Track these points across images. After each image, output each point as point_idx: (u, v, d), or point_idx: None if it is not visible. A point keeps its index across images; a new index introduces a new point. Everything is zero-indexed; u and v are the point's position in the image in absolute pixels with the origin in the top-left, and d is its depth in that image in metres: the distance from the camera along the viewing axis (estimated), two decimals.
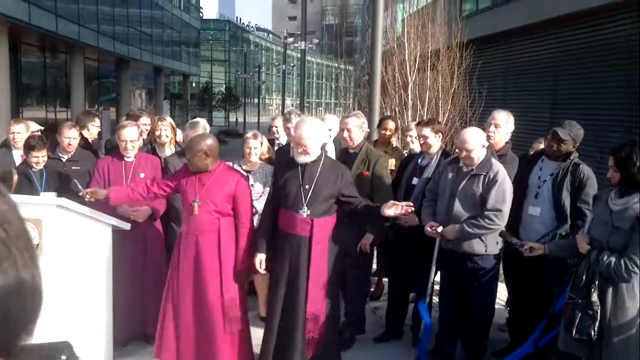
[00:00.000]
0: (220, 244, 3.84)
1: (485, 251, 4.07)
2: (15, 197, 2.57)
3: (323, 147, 3.96)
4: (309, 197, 3.75)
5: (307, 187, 3.76)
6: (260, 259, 3.89)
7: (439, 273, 4.42)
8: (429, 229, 4.10)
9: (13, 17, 15.11)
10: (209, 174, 3.84)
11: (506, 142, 4.67)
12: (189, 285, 3.88)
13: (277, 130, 5.72)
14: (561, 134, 4.06)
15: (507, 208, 3.98)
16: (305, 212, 3.74)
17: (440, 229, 4.05)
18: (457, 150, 4.27)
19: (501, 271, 4.56)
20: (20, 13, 15.70)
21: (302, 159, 3.79)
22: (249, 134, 4.94)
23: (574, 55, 9.45)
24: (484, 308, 4.23)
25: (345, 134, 4.61)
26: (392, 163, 5.06)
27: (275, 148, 5.49)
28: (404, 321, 4.80)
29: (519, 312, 4.49)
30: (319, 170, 3.79)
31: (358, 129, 4.63)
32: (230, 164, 4.86)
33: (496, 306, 5.16)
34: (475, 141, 4.03)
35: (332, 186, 3.77)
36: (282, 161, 4.22)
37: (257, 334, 4.39)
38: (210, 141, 3.87)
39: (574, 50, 9.45)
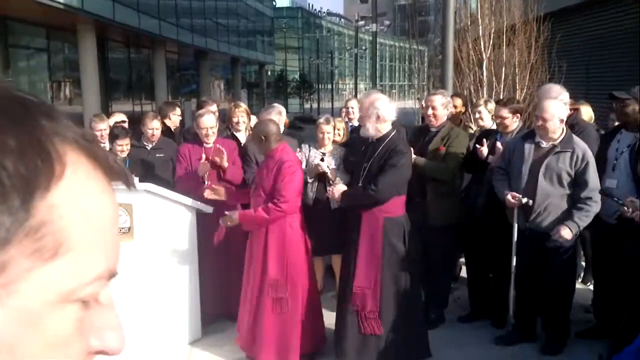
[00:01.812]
0: (267, 229, 3.93)
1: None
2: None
3: (394, 125, 3.97)
4: (364, 174, 3.79)
5: (365, 164, 3.80)
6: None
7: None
8: (511, 199, 3.98)
9: (99, 15, 15.98)
10: (268, 158, 3.97)
11: (574, 110, 4.57)
12: (246, 269, 4.08)
13: (352, 111, 5.76)
14: (618, 95, 3.96)
15: (598, 186, 3.92)
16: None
17: (524, 200, 3.94)
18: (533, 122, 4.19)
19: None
20: (106, 11, 16.57)
21: (362, 132, 3.86)
22: (322, 119, 5.04)
23: None
24: (564, 287, 4.14)
25: (430, 111, 4.57)
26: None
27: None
28: (486, 302, 4.77)
29: (605, 292, 4.35)
30: (380, 148, 3.78)
31: (443, 107, 4.59)
32: (307, 146, 4.99)
33: (580, 286, 5.04)
34: (554, 111, 3.92)
35: (379, 161, 3.74)
36: (356, 142, 4.31)
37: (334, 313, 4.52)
38: (266, 126, 3.94)
39: None
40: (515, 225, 4.10)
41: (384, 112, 3.77)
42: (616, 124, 4.68)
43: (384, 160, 3.71)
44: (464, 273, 5.43)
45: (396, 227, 3.80)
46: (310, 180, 4.72)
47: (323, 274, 5.35)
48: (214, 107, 5.79)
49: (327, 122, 4.92)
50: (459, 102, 5.50)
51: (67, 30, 16.02)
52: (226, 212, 4.05)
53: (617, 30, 10.40)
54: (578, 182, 3.89)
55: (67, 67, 17.51)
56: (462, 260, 5.50)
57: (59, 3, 13.73)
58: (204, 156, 4.60)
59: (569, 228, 3.85)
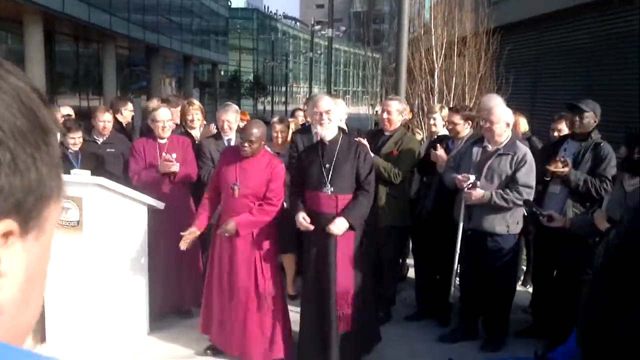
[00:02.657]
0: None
1: (507, 231, 4.16)
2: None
3: (340, 128, 4.07)
4: (330, 174, 3.87)
5: (327, 165, 3.88)
6: (302, 215, 3.91)
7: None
8: (460, 177, 4.12)
9: (47, 6, 15.51)
10: (251, 159, 3.95)
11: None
12: (225, 267, 4.02)
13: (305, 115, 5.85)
14: (582, 106, 4.19)
15: (534, 187, 4.09)
16: (329, 189, 3.86)
17: (472, 178, 4.07)
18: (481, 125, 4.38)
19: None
20: (54, 2, 16.10)
21: (323, 131, 3.89)
22: (275, 119, 5.11)
23: (610, 40, 9.32)
24: (504, 287, 4.33)
25: (385, 115, 4.71)
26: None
27: None
28: (432, 301, 4.92)
29: (543, 293, 4.57)
30: (337, 148, 3.90)
31: (398, 113, 4.73)
32: None
33: (520, 288, 5.27)
34: (500, 115, 4.13)
35: (351, 162, 3.88)
36: (305, 145, 4.35)
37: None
38: (260, 128, 3.96)
39: (611, 35, 9.33)
40: (461, 224, 4.25)
41: (337, 116, 3.94)
42: (562, 134, 4.94)
43: (358, 159, 3.86)
44: (411, 274, 5.59)
45: (361, 227, 3.93)
46: None
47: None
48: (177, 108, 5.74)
49: (281, 121, 4.99)
50: (407, 108, 5.65)
51: (12, 21, 15.49)
52: (219, 229, 3.96)
53: (565, 43, 10.90)
54: (513, 179, 4.09)
55: (12, 59, 16.71)
56: (409, 261, 5.65)
57: None
58: (164, 154, 4.56)
59: (483, 194, 4.05)
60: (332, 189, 3.86)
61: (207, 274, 4.15)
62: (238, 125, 5.05)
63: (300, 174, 4.07)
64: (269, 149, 4.90)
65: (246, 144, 3.86)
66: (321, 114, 3.88)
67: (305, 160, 4.03)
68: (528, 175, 4.08)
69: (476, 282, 4.38)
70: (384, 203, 4.56)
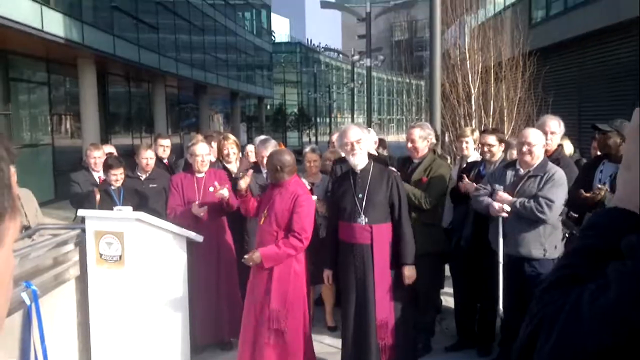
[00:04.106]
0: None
1: (544, 255, 4.07)
2: (101, 213, 2.98)
3: (370, 157, 4.12)
4: (364, 205, 3.90)
5: (360, 195, 3.92)
6: (328, 274, 4.11)
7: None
8: (495, 205, 4.08)
9: (100, 49, 16.33)
10: (280, 188, 4.05)
11: (558, 146, 4.71)
12: (249, 295, 4.12)
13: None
14: (601, 127, 4.11)
15: (559, 203, 4.00)
16: (363, 220, 3.89)
17: (501, 194, 4.05)
18: (516, 152, 4.35)
19: None
20: (106, 45, 16.95)
21: (353, 160, 3.96)
22: (307, 149, 5.20)
23: None
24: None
25: (409, 144, 4.73)
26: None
27: None
28: (474, 330, 4.84)
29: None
30: (369, 177, 3.95)
31: (422, 140, 4.73)
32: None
33: None
34: (536, 139, 4.10)
35: (384, 192, 3.92)
36: (337, 177, 4.39)
37: (326, 341, 4.58)
38: (285, 157, 4.05)
39: None
40: (500, 250, 4.19)
41: (367, 145, 4.02)
42: (598, 153, 4.84)
43: (391, 188, 3.93)
44: (449, 303, 5.50)
45: (393, 256, 3.96)
46: None
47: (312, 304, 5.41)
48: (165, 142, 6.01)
49: (313, 151, 5.08)
50: (432, 134, 5.63)
51: (67, 64, 16.35)
52: (245, 256, 4.04)
53: (607, 61, 10.67)
54: (536, 194, 4.01)
55: (68, 101, 17.80)
56: (444, 290, 5.57)
57: (60, 38, 14.06)
58: (196, 203, 4.70)
59: (510, 199, 3.99)
60: (366, 219, 3.90)
61: (245, 306, 4.23)
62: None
63: (334, 205, 4.14)
64: (304, 180, 5.00)
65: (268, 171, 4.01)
66: (352, 145, 3.95)
67: (338, 191, 4.09)
68: (551, 190, 4.00)
69: (517, 309, 4.28)
70: (416, 230, 4.54)
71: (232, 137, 5.62)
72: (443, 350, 4.82)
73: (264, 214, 4.03)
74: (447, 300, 5.66)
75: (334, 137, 6.11)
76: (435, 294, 5.22)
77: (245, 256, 4.02)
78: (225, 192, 4.58)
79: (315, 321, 5.23)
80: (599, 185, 4.07)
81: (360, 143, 3.95)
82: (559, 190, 4.01)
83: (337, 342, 4.20)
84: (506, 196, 4.05)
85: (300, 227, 3.89)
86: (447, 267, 5.29)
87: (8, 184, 0.59)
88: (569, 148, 5.51)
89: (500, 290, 4.23)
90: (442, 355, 4.78)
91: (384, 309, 3.86)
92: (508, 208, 4.04)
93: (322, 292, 5.31)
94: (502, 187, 4.11)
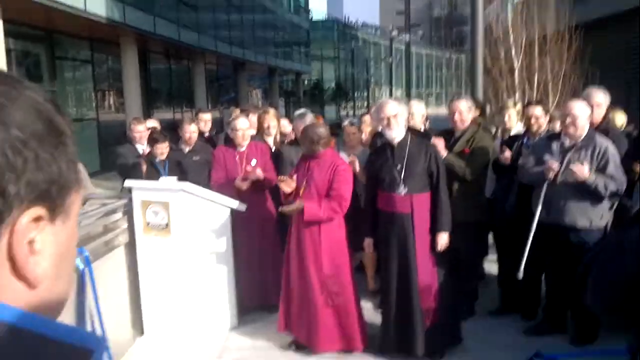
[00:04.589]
0: (320, 225, 4.10)
1: (590, 225, 4.03)
2: (146, 183, 3.12)
3: (408, 128, 4.15)
4: (402, 175, 3.96)
5: (399, 166, 3.98)
6: (369, 242, 4.21)
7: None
8: (551, 165, 4.02)
9: (141, 28, 16.58)
10: (316, 159, 4.14)
11: (605, 117, 4.60)
12: (295, 264, 4.20)
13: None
14: None
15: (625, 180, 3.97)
16: (402, 190, 3.96)
17: (556, 166, 3.98)
18: (559, 124, 4.28)
19: None
20: (147, 25, 17.16)
21: (389, 134, 4.02)
22: (346, 122, 5.24)
23: None
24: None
25: (457, 116, 4.72)
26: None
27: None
28: (517, 297, 4.83)
29: (636, 283, 4.36)
30: (407, 149, 4.00)
31: (468, 111, 4.75)
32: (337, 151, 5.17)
33: None
34: (581, 110, 4.03)
35: (423, 162, 3.98)
36: (376, 149, 4.45)
37: (367, 306, 4.68)
38: (320, 129, 4.16)
39: None
40: (538, 212, 4.13)
41: (404, 117, 4.06)
42: None
43: (429, 159, 3.99)
44: (493, 270, 5.49)
45: (433, 223, 4.05)
46: None
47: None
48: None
49: (351, 124, 5.11)
50: (474, 106, 5.57)
51: (110, 43, 16.66)
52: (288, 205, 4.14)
53: None
54: (604, 174, 3.94)
55: (111, 78, 18.18)
56: (491, 256, 5.56)
57: (103, 17, 14.33)
58: (239, 177, 4.81)
59: (587, 170, 3.89)
60: (406, 189, 3.96)
61: (284, 270, 4.33)
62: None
63: (372, 176, 4.19)
64: (343, 154, 5.04)
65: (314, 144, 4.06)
66: (388, 119, 4.00)
67: (377, 163, 4.15)
68: (617, 170, 3.94)
69: (563, 277, 4.25)
70: (458, 200, 4.55)
71: (272, 110, 5.69)
72: (487, 314, 4.85)
73: (303, 185, 4.10)
74: (492, 267, 5.65)
75: (371, 111, 6.12)
76: (479, 261, 5.23)
77: (285, 206, 4.10)
78: (259, 173, 4.67)
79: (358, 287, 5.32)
80: None
81: (397, 117, 3.99)
82: (618, 167, 3.95)
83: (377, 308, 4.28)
84: (583, 168, 3.91)
85: (340, 195, 4.02)
86: (490, 236, 5.28)
87: (73, 158, 0.61)
88: (620, 120, 5.38)
89: (526, 253, 4.15)
90: (486, 318, 4.81)
91: (426, 274, 3.96)
92: (584, 177, 3.92)
93: (362, 258, 5.37)
94: (567, 160, 4.01)
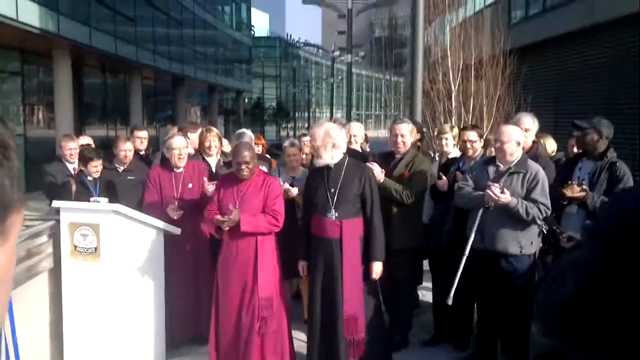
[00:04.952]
0: (257, 247, 3.99)
1: (521, 252, 4.10)
2: (75, 204, 2.89)
3: (346, 152, 4.08)
4: (335, 199, 3.89)
5: (332, 190, 3.90)
6: (302, 264, 4.11)
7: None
8: (491, 193, 3.98)
9: (75, 40, 16.02)
10: (248, 181, 4.03)
11: (533, 143, 4.75)
12: (229, 288, 4.05)
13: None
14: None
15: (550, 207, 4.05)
16: (333, 214, 3.89)
17: (497, 190, 3.94)
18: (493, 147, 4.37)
19: None
20: (82, 36, 16.62)
21: (316, 162, 3.97)
22: (287, 143, 5.16)
23: (631, 58, 9.22)
24: (521, 310, 4.23)
25: (399, 139, 4.71)
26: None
27: None
28: (451, 325, 4.86)
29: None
30: (342, 173, 3.93)
31: (410, 134, 4.77)
32: (277, 171, 5.08)
33: None
34: (510, 135, 4.12)
35: (356, 187, 3.90)
36: (312, 170, 4.37)
37: (301, 337, 4.56)
38: (251, 150, 4.08)
39: (631, 52, 9.23)
40: (472, 237, 4.14)
41: (339, 140, 3.95)
42: (575, 151, 4.90)
43: (364, 183, 3.91)
44: (427, 298, 5.52)
45: (364, 250, 3.95)
46: None
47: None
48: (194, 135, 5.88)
49: (292, 145, 5.04)
50: (415, 130, 5.62)
51: (42, 55, 16.01)
52: (226, 214, 3.94)
53: (585, 62, 10.84)
54: (529, 199, 4.02)
55: (42, 91, 17.42)
56: (425, 284, 5.59)
57: (35, 28, 13.75)
58: (171, 206, 4.59)
59: (511, 199, 3.94)
60: (336, 214, 3.89)
61: (214, 297, 4.15)
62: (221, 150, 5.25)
63: (308, 198, 4.14)
64: (282, 174, 4.96)
65: (243, 167, 3.94)
66: (318, 146, 3.95)
67: (313, 185, 4.08)
68: (544, 194, 4.04)
69: (493, 305, 4.31)
70: (396, 225, 4.54)
71: (215, 129, 5.54)
72: (420, 345, 4.84)
73: (235, 210, 3.92)
74: (425, 295, 5.68)
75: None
76: (414, 289, 5.23)
77: (224, 217, 3.89)
78: (211, 188, 4.52)
79: (293, 315, 5.20)
80: (583, 180, 4.12)
81: (326, 141, 3.91)
82: (545, 192, 4.05)
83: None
84: (505, 195, 3.97)
85: (275, 210, 3.96)
86: (425, 262, 5.30)
87: (16, 175, 0.55)
88: (551, 146, 5.56)
89: (457, 279, 4.12)
90: (420, 349, 4.80)
91: (352, 304, 3.84)
92: (505, 201, 3.97)
93: (300, 285, 5.28)
94: (496, 184, 4.06)
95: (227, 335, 4.08)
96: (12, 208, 0.53)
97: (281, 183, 4.90)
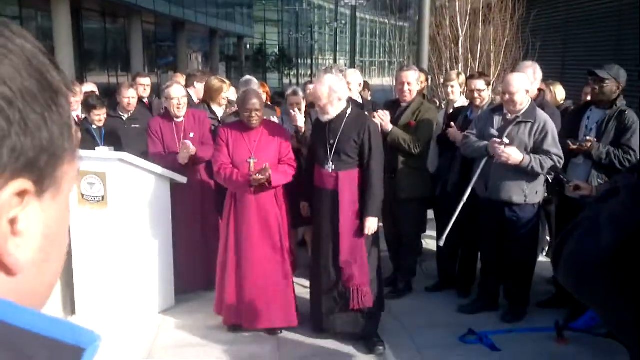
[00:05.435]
0: (276, 197, 4.02)
1: (525, 201, 4.11)
2: (81, 152, 2.81)
3: (348, 100, 3.97)
4: (332, 151, 3.86)
5: (331, 142, 3.86)
6: (304, 205, 4.17)
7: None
8: (496, 140, 3.99)
9: None
10: (258, 130, 3.99)
11: (539, 91, 4.68)
12: (250, 239, 3.99)
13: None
14: (600, 74, 4.05)
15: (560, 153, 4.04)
16: (330, 166, 3.86)
17: (506, 142, 3.94)
18: (500, 97, 4.31)
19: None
20: None
21: (322, 117, 3.88)
22: (289, 91, 5.08)
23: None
24: (524, 257, 4.29)
25: (406, 87, 4.63)
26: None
27: None
28: (454, 272, 4.93)
29: None
30: (342, 124, 3.85)
31: (416, 82, 4.69)
32: (282, 121, 5.02)
33: (544, 259, 5.23)
34: (518, 85, 4.05)
35: (355, 138, 3.81)
36: (315, 120, 4.25)
37: (306, 283, 4.64)
38: (260, 98, 4.02)
39: None
40: (472, 182, 4.14)
41: (342, 93, 3.85)
42: (588, 99, 4.82)
43: (363, 134, 3.80)
44: (431, 246, 5.58)
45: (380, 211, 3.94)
46: None
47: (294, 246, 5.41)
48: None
49: (294, 94, 4.96)
50: (422, 77, 5.55)
51: None
52: (256, 175, 3.87)
53: (594, 6, 10.55)
54: (537, 152, 4.00)
55: (40, 37, 17.11)
56: (425, 234, 5.63)
57: None
58: (183, 142, 4.53)
59: (520, 155, 3.95)
60: (333, 166, 3.86)
61: (220, 249, 4.13)
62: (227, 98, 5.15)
63: (311, 148, 4.13)
64: (274, 119, 4.89)
65: (254, 114, 3.89)
66: (317, 104, 3.88)
67: (315, 136, 4.06)
68: (555, 144, 4.00)
69: (496, 252, 4.36)
70: (403, 175, 4.54)
71: (229, 84, 5.37)
72: (424, 290, 4.93)
73: (252, 160, 3.90)
74: (429, 243, 5.74)
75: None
76: (418, 237, 5.28)
77: (259, 175, 3.84)
78: (192, 149, 4.46)
79: (299, 263, 5.28)
80: (587, 137, 4.07)
81: (332, 97, 3.80)
82: (556, 141, 4.01)
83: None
84: (516, 153, 3.95)
85: (291, 158, 4.05)
86: (430, 212, 5.33)
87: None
88: (561, 94, 5.48)
89: (451, 222, 4.12)
90: (423, 295, 4.89)
91: (347, 253, 3.82)
92: (516, 160, 3.96)
93: (305, 233, 5.32)
94: (499, 134, 4.03)
95: (230, 286, 4.07)
96: (62, 158, 0.51)
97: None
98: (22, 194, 0.47)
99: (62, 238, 0.54)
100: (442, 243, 4.25)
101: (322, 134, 3.92)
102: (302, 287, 4.60)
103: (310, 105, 5.00)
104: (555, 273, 1.70)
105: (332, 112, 3.84)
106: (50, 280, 0.53)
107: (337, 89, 3.82)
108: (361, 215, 3.82)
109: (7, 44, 0.47)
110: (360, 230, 3.82)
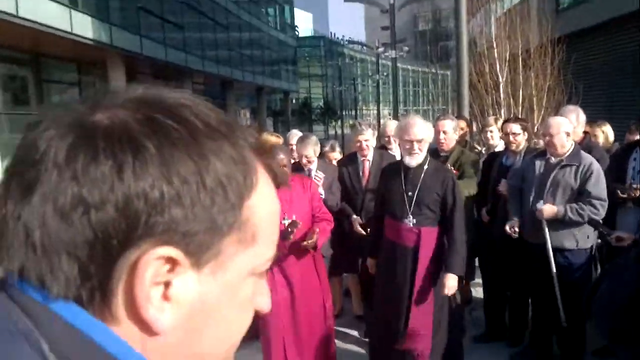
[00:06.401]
0: (314, 255, 3.68)
1: (577, 246, 4.01)
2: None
3: (428, 150, 3.71)
4: (413, 204, 3.57)
5: (409, 193, 3.57)
6: (372, 263, 3.85)
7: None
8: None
9: (127, 49, 16.61)
10: (287, 185, 3.82)
11: (585, 134, 4.63)
12: (288, 301, 3.62)
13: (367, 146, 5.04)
14: None
15: (606, 199, 3.89)
16: (410, 220, 3.58)
17: (546, 209, 3.87)
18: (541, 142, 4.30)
19: None
20: (134, 45, 17.22)
21: (412, 161, 3.57)
22: (327, 147, 5.14)
23: None
24: (579, 304, 4.15)
25: (442, 136, 4.57)
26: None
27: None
28: (503, 322, 4.80)
29: None
30: (422, 174, 3.58)
31: (453, 131, 4.65)
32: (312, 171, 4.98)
33: None
34: (558, 126, 4.01)
35: (438, 192, 3.55)
36: (386, 167, 4.02)
37: (353, 333, 4.60)
38: (280, 156, 3.53)
39: None
40: (549, 243, 3.99)
41: (428, 141, 3.64)
42: (636, 137, 4.73)
43: (446, 188, 3.56)
44: (479, 294, 5.47)
45: (440, 260, 3.64)
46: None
47: (340, 295, 5.37)
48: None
49: (333, 149, 5.02)
50: (463, 124, 5.53)
51: (97, 65, 16.66)
52: (307, 241, 3.49)
53: (635, 49, 10.44)
54: (581, 192, 3.90)
55: None
56: (477, 280, 5.54)
57: (89, 39, 14.34)
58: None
59: (555, 209, 3.86)
60: (413, 220, 3.57)
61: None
62: None
63: (380, 196, 3.83)
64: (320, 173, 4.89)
65: (285, 170, 3.73)
66: (412, 143, 3.54)
67: (387, 184, 3.71)
68: (598, 186, 3.90)
69: (549, 299, 4.24)
70: None
71: (273, 136, 5.39)
72: (472, 340, 4.80)
73: (286, 221, 3.40)
74: (477, 290, 5.63)
75: (363, 133, 4.84)
76: (467, 285, 5.20)
77: (309, 240, 3.45)
78: None
79: (344, 312, 5.25)
80: (635, 186, 3.97)
81: (422, 143, 3.51)
82: (603, 185, 3.93)
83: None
84: (550, 209, 3.91)
85: (325, 211, 3.68)
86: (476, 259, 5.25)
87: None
88: (612, 134, 5.39)
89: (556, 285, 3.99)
90: (471, 345, 4.75)
91: (418, 317, 3.54)
92: (551, 213, 3.89)
93: (348, 282, 5.27)
94: (541, 203, 3.96)
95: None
96: (220, 233, 0.49)
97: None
98: (173, 262, 0.46)
99: (224, 317, 0.51)
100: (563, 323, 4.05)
101: (397, 184, 3.60)
102: (350, 336, 4.55)
103: (382, 147, 4.96)
104: (589, 321, 1.67)
105: (418, 157, 3.56)
106: (201, 353, 0.52)
107: (426, 136, 3.58)
108: (436, 276, 3.54)
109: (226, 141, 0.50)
110: (432, 292, 3.55)
